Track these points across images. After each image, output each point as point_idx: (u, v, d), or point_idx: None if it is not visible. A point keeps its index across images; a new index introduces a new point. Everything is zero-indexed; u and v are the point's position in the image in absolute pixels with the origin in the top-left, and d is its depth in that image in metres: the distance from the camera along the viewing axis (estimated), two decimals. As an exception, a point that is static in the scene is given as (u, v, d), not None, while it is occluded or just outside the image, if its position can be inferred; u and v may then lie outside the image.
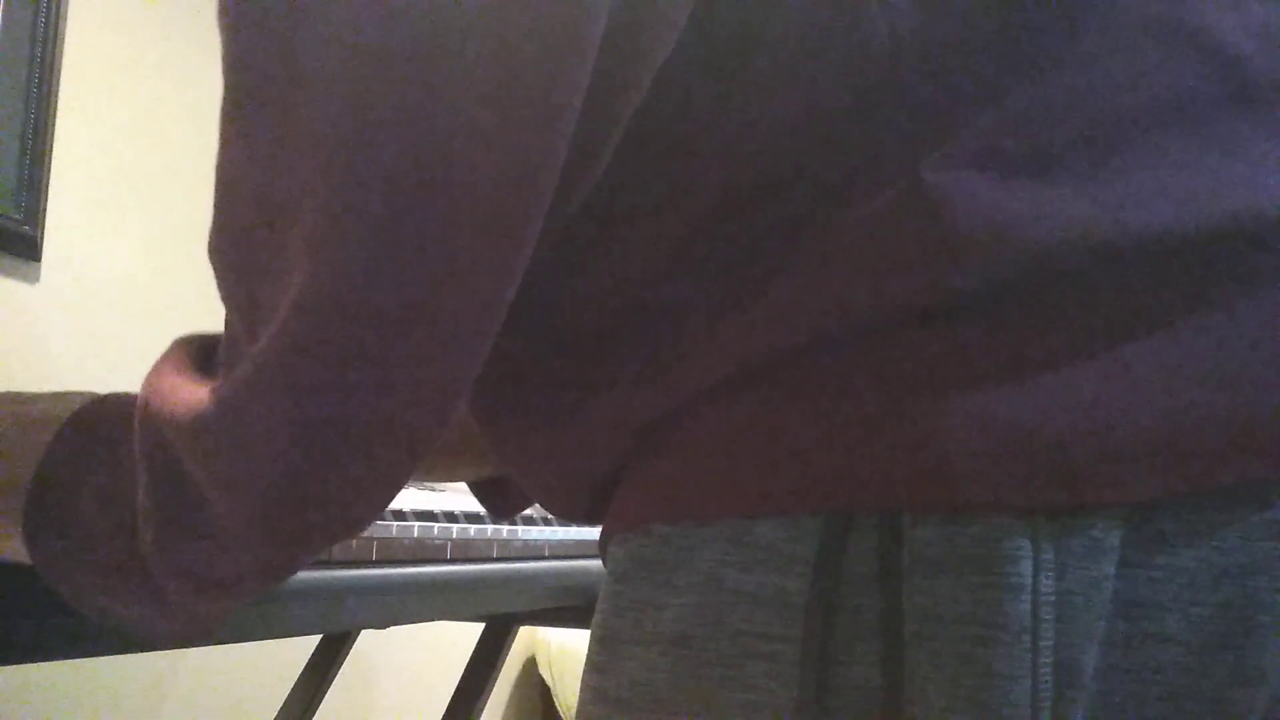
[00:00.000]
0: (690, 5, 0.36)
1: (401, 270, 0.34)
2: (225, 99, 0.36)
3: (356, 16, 0.32)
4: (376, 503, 0.41)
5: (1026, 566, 0.33)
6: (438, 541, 0.82)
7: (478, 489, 0.65)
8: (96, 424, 0.46)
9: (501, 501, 0.66)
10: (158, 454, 0.40)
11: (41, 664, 1.29)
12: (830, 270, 0.36)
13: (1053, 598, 0.33)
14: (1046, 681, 0.33)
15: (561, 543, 0.97)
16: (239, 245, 0.38)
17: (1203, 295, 0.34)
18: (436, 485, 1.00)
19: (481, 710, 1.29)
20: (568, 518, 0.50)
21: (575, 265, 0.42)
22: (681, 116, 0.38)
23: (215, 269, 0.39)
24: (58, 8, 1.43)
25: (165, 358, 0.44)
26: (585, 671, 0.42)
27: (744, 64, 0.37)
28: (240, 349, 0.38)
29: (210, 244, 0.38)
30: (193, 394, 0.39)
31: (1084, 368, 0.34)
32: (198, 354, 0.44)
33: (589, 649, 0.42)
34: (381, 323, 0.35)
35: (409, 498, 0.86)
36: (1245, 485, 0.34)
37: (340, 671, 1.42)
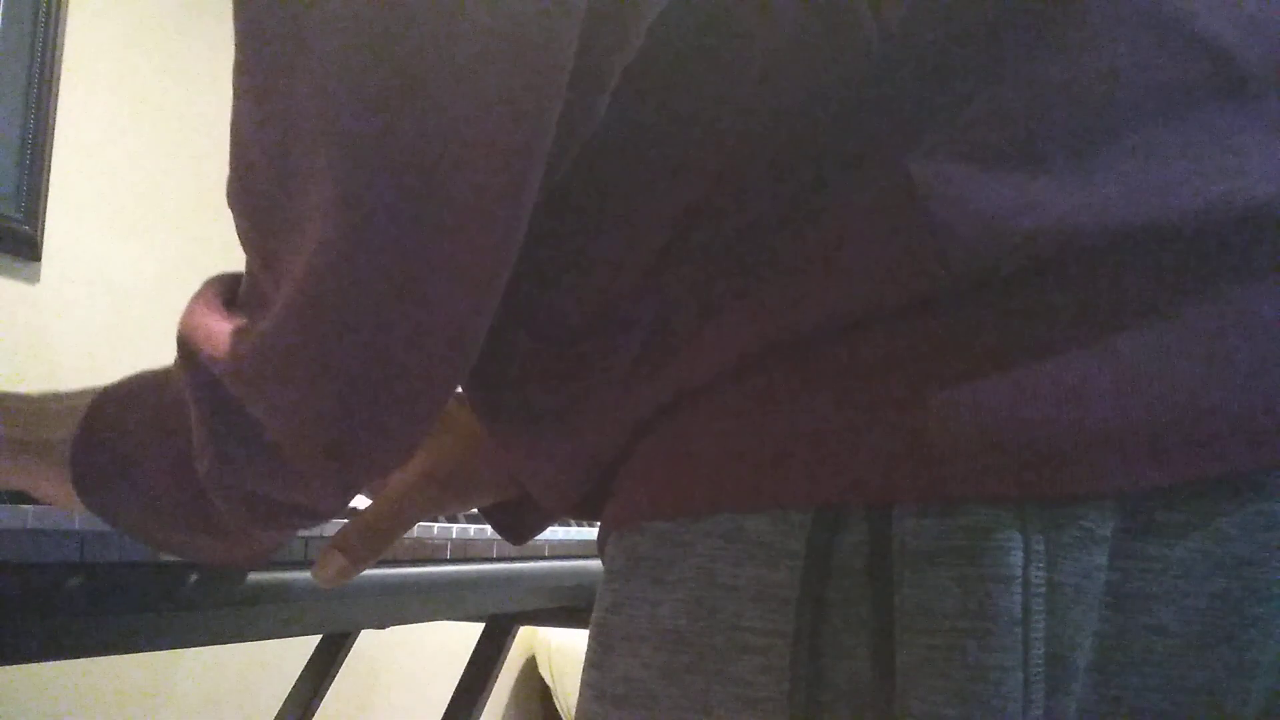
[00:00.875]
0: None
1: (412, 229, 0.35)
2: (236, 56, 0.38)
3: None
4: (420, 425, 0.42)
5: (1017, 558, 0.33)
6: (438, 541, 0.82)
7: (491, 514, 0.63)
8: (137, 380, 0.49)
9: (517, 524, 0.64)
10: (205, 387, 0.43)
11: (41, 664, 1.29)
12: (817, 265, 0.36)
13: (1043, 589, 0.33)
14: (1039, 673, 0.33)
15: (561, 543, 0.97)
16: (254, 197, 0.40)
17: (1193, 285, 0.34)
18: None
19: (481, 710, 1.29)
20: (567, 513, 0.50)
21: (568, 259, 0.42)
22: (668, 108, 0.38)
23: (234, 214, 0.41)
24: (58, 7, 1.43)
25: (197, 298, 0.46)
26: (584, 668, 0.43)
27: (730, 57, 0.37)
28: (262, 290, 0.41)
29: (228, 191, 0.41)
30: (228, 334, 0.42)
31: (1073, 358, 0.34)
32: (226, 292, 0.47)
33: (588, 646, 0.43)
34: (392, 277, 0.37)
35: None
36: (1239, 476, 0.34)
37: (340, 671, 1.42)
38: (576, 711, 0.43)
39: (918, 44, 0.35)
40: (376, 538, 0.56)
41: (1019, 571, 0.33)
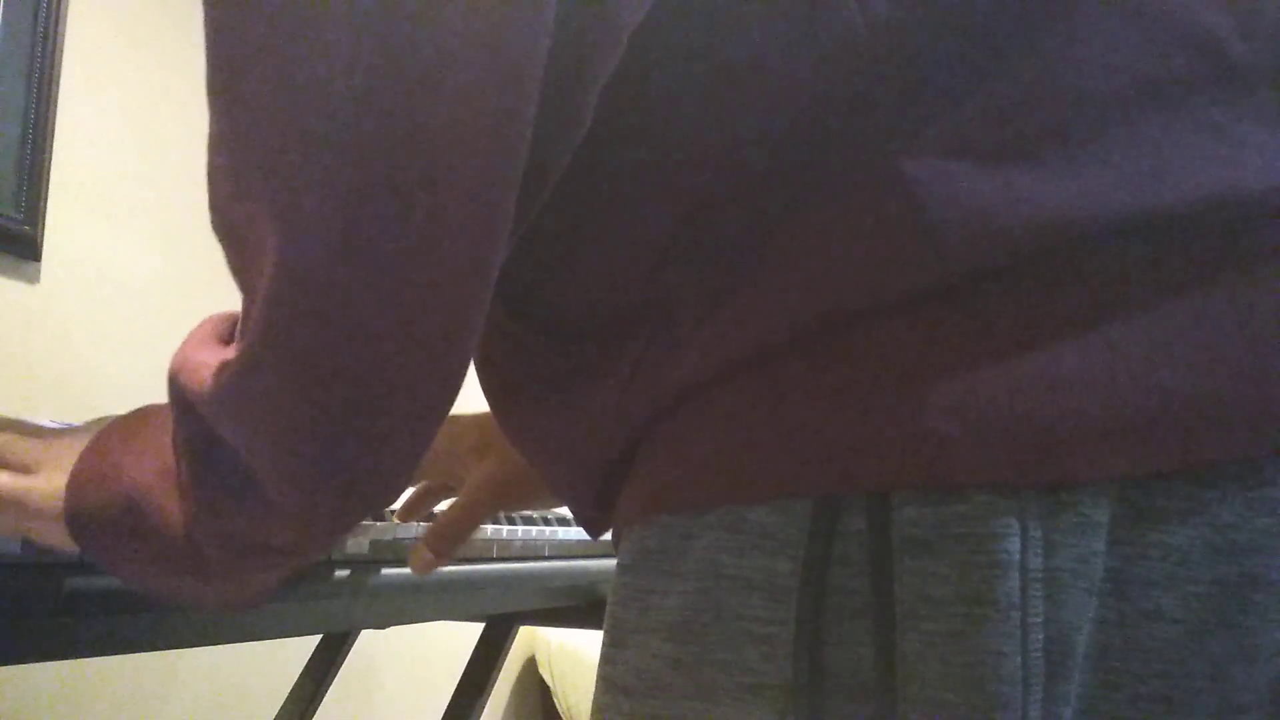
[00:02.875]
0: None
1: (373, 223, 0.34)
2: (206, 77, 0.37)
3: None
4: (403, 460, 0.41)
5: (1014, 544, 0.33)
6: (438, 541, 0.82)
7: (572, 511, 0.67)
8: (130, 420, 0.49)
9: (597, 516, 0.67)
10: (193, 424, 0.42)
11: (42, 664, 1.29)
12: (812, 261, 0.36)
13: (1041, 575, 0.33)
14: (1037, 658, 0.33)
15: (562, 543, 0.97)
16: (223, 217, 0.39)
17: (1188, 273, 0.34)
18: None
19: (481, 710, 1.29)
20: (580, 508, 0.50)
21: (567, 258, 0.42)
22: (661, 108, 0.39)
23: (219, 241, 0.40)
24: (58, 7, 1.43)
25: (192, 334, 0.47)
26: (599, 663, 0.43)
27: (719, 55, 0.37)
28: (249, 318, 0.39)
29: (210, 218, 0.40)
30: (214, 366, 0.41)
31: (1068, 346, 0.34)
32: (223, 327, 0.47)
33: (602, 640, 0.43)
34: (357, 285, 0.35)
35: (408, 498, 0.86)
36: (1237, 462, 0.34)
37: (340, 671, 1.42)
38: (592, 704, 0.43)
39: (908, 40, 0.36)
40: (455, 535, 0.66)
41: (1017, 558, 0.33)
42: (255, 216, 0.36)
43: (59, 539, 0.49)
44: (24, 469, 0.51)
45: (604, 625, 0.43)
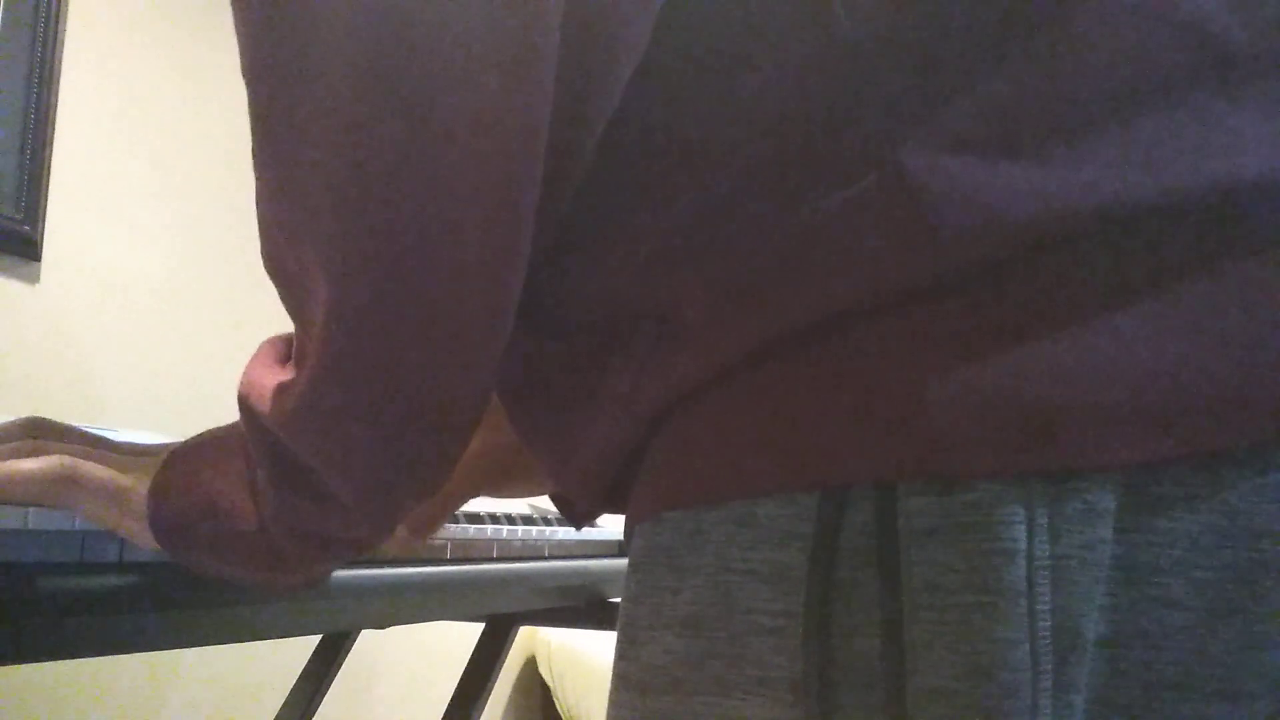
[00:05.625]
0: None
1: (409, 275, 0.38)
2: (252, 142, 0.41)
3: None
4: (450, 455, 0.46)
5: (1020, 531, 0.33)
6: (438, 541, 0.82)
7: (553, 499, 0.69)
8: (203, 436, 0.55)
9: (574, 510, 0.69)
10: (264, 438, 0.47)
11: (41, 664, 1.29)
12: (813, 258, 0.36)
13: (1048, 562, 0.33)
14: (1045, 646, 0.33)
15: (562, 543, 0.97)
16: (277, 264, 0.44)
17: (1191, 260, 0.34)
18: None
19: (481, 710, 1.29)
20: (589, 504, 0.51)
21: (568, 259, 0.43)
22: (659, 111, 0.39)
23: (273, 281, 0.46)
24: (58, 7, 1.43)
25: (254, 358, 0.52)
26: (614, 661, 0.44)
27: (718, 56, 0.38)
28: (303, 346, 0.44)
29: (262, 258, 0.45)
30: (277, 389, 0.46)
31: (1071, 335, 0.34)
32: (280, 349, 0.52)
33: (616, 639, 0.44)
34: (400, 324, 0.40)
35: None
36: (1244, 448, 0.34)
37: (340, 671, 1.42)
38: (608, 703, 0.44)
39: (905, 37, 0.36)
40: (434, 515, 0.66)
41: (1023, 545, 0.33)
42: (306, 266, 0.41)
43: (145, 539, 0.54)
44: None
45: (618, 624, 0.43)
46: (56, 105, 1.44)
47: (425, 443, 0.44)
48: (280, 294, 0.45)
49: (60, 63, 1.44)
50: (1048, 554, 0.33)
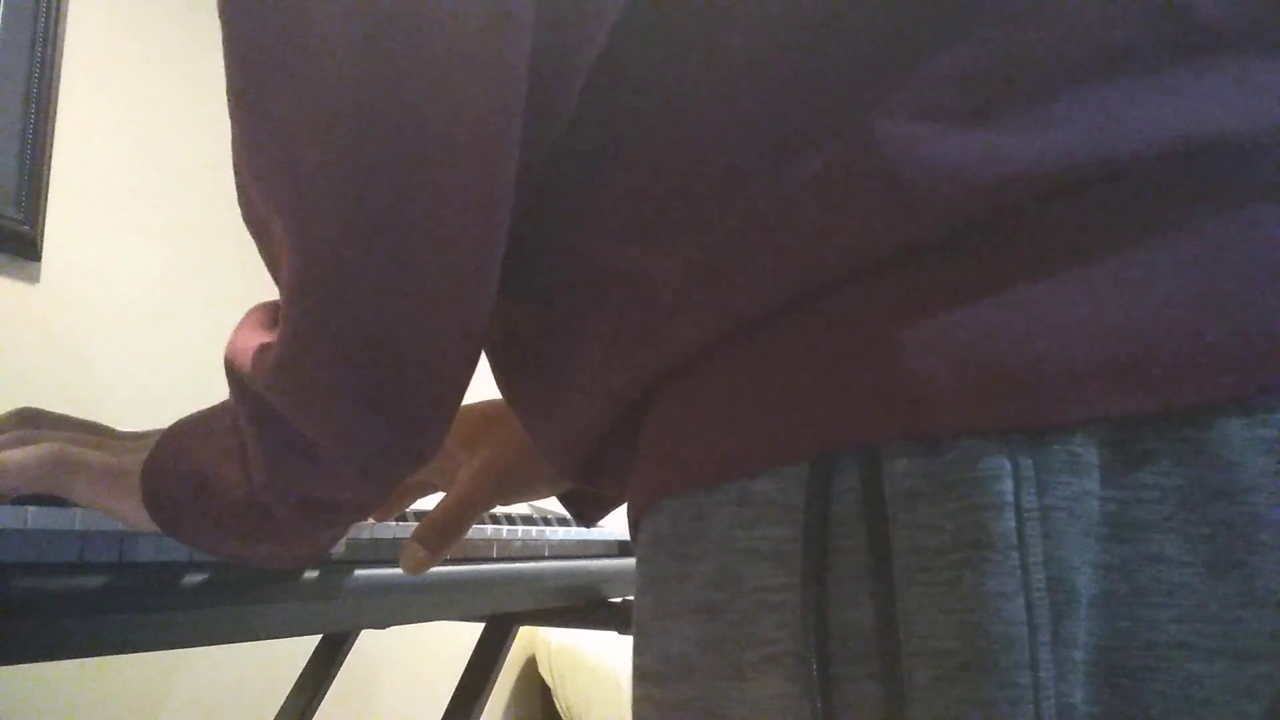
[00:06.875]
0: None
1: (385, 214, 0.38)
2: (228, 90, 0.41)
3: None
4: (437, 412, 0.45)
5: (1007, 484, 0.33)
6: (438, 541, 0.82)
7: (565, 500, 0.69)
8: (192, 416, 0.54)
9: (586, 508, 0.69)
10: (252, 403, 0.47)
11: (41, 664, 1.29)
12: (789, 229, 0.36)
13: (1037, 513, 0.33)
14: (1041, 598, 0.32)
15: (561, 543, 0.97)
16: (251, 222, 0.43)
17: (1167, 216, 0.34)
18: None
19: (481, 710, 1.29)
20: (569, 478, 0.51)
21: (550, 215, 0.43)
22: (640, 64, 0.40)
23: (252, 238, 0.45)
24: (58, 7, 1.43)
25: (240, 323, 0.52)
26: (632, 657, 0.44)
27: (700, 11, 0.38)
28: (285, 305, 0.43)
29: (241, 214, 0.45)
30: (260, 350, 0.46)
31: (1046, 291, 0.34)
32: (267, 314, 0.52)
33: (632, 634, 0.44)
34: (377, 268, 0.39)
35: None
36: (1229, 402, 0.33)
37: (340, 671, 1.42)
38: (631, 699, 0.44)
39: (871, 5, 0.36)
40: (449, 530, 0.64)
41: (1010, 497, 0.33)
42: (276, 209, 0.40)
43: (142, 521, 0.53)
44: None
45: (632, 619, 0.43)
46: (56, 105, 1.44)
47: (409, 397, 0.43)
48: (259, 250, 0.45)
49: (60, 63, 1.44)
50: (1036, 505, 0.33)
